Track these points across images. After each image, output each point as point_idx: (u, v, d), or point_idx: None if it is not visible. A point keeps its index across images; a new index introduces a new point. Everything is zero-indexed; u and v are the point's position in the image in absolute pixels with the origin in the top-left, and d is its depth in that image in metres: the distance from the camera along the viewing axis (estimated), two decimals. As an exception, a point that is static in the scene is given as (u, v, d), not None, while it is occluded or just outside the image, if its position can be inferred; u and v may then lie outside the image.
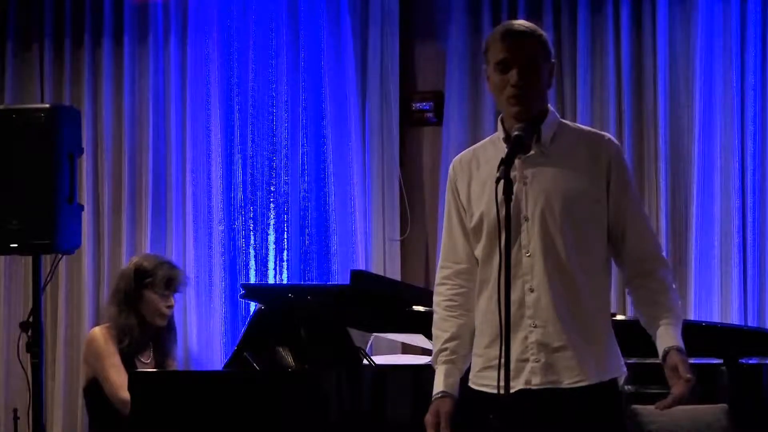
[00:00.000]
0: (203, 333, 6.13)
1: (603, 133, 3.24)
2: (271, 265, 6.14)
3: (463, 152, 3.30)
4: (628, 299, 4.37)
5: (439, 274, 3.26)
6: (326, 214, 6.10)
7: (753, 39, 5.66)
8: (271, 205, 6.16)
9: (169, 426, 4.49)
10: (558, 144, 3.14)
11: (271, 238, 6.15)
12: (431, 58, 6.22)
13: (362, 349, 4.76)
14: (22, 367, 4.71)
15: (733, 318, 5.61)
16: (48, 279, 4.74)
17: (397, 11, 6.13)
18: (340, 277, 5.98)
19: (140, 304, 4.97)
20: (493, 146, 3.20)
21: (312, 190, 6.11)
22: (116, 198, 6.32)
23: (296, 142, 6.13)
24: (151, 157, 6.25)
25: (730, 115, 5.66)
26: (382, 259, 6.10)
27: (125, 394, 4.60)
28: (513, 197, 2.92)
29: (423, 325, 3.84)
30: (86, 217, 6.09)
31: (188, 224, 6.18)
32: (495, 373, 2.92)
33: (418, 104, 6.23)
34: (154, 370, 4.96)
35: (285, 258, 6.13)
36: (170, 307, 5.04)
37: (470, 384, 3.17)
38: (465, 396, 3.17)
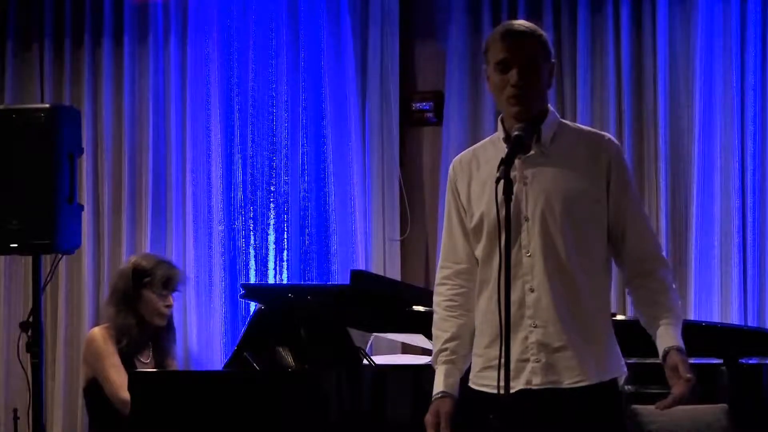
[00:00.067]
0: (203, 333, 6.13)
1: (603, 133, 3.24)
2: (271, 265, 6.14)
3: (463, 152, 3.30)
4: (628, 299, 4.37)
5: (439, 274, 3.26)
6: (326, 214, 6.10)
7: (753, 39, 5.66)
8: (271, 205, 6.16)
9: (169, 426, 4.49)
10: (558, 144, 3.14)
11: (271, 238, 6.15)
12: (431, 58, 6.22)
13: (362, 349, 4.76)
14: (22, 367, 4.71)
15: (733, 318, 5.61)
16: (48, 279, 4.74)
17: (397, 11, 6.13)
18: (340, 277, 5.98)
19: (139, 304, 4.97)
20: (493, 146, 3.20)
21: (312, 190, 6.11)
22: (116, 198, 6.32)
23: (296, 142, 6.13)
24: (151, 157, 6.25)
25: (730, 115, 5.66)
26: (382, 259, 6.10)
27: (125, 394, 4.60)
28: (513, 197, 2.92)
29: (423, 325, 3.84)
30: (86, 217, 6.09)
31: (188, 224, 6.18)
32: (495, 373, 2.93)
33: (418, 104, 6.23)
34: (154, 370, 4.95)
35: (285, 258, 6.13)
36: (169, 306, 5.04)
37: (470, 384, 3.17)
38: (465, 396, 3.17)
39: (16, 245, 4.58)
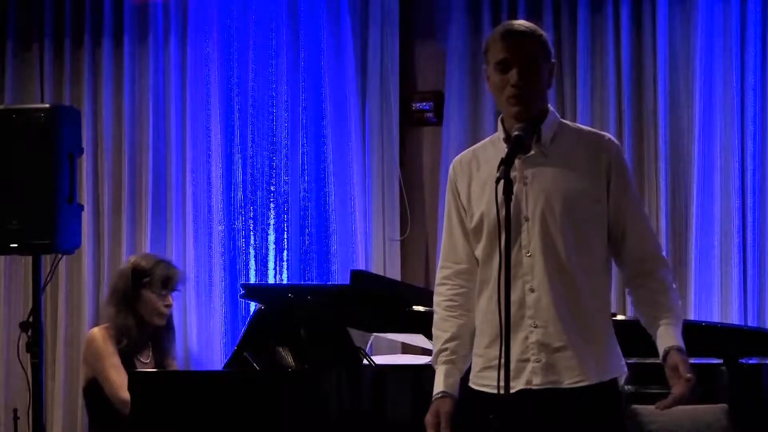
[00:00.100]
0: (203, 333, 6.13)
1: (603, 133, 3.24)
2: (271, 265, 6.14)
3: (463, 152, 3.30)
4: (628, 299, 4.36)
5: (440, 275, 3.26)
6: (326, 214, 6.10)
7: (753, 39, 5.66)
8: (271, 205, 6.16)
9: (169, 426, 4.49)
10: (558, 144, 3.14)
11: (271, 238, 6.15)
12: (431, 58, 6.21)
13: (362, 349, 4.76)
14: (22, 367, 4.71)
15: (733, 318, 5.61)
16: (48, 279, 4.74)
17: (397, 11, 6.13)
18: (340, 277, 5.98)
19: (138, 304, 4.96)
20: (493, 146, 3.20)
21: (312, 190, 6.11)
22: (116, 198, 6.32)
23: (296, 142, 6.13)
24: (151, 157, 6.25)
25: (730, 115, 5.66)
26: (382, 259, 6.10)
27: (125, 394, 4.60)
28: (513, 197, 2.92)
29: (423, 325, 3.84)
30: (86, 217, 6.09)
31: (188, 224, 6.18)
32: (495, 373, 2.93)
33: (418, 104, 6.23)
34: (154, 370, 4.95)
35: (285, 258, 6.13)
36: (168, 306, 5.03)
37: (470, 384, 3.17)
38: (465, 396, 3.17)
39: (16, 245, 4.58)
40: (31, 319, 4.60)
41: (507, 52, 3.09)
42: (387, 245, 6.11)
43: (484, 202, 3.12)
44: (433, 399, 3.16)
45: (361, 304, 4.79)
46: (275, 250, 6.14)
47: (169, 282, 5.04)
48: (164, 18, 6.28)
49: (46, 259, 4.72)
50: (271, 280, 6.11)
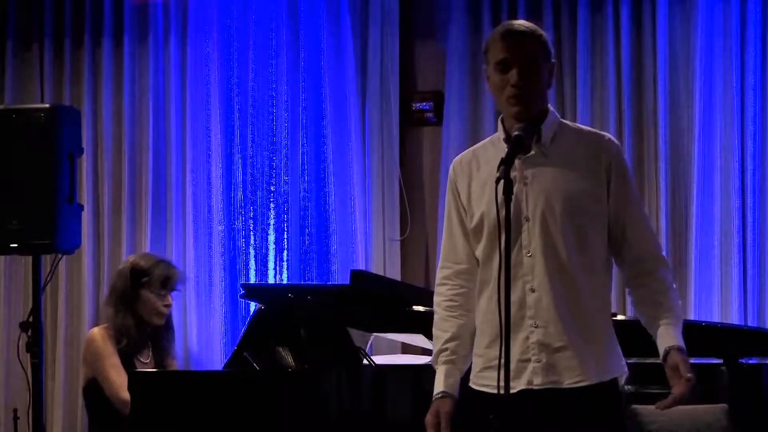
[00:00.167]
0: (203, 333, 6.13)
1: (603, 133, 3.24)
2: (271, 265, 6.13)
3: (463, 153, 3.30)
4: (628, 299, 4.37)
5: (440, 275, 3.26)
6: (326, 214, 6.10)
7: (753, 39, 5.66)
8: (271, 205, 6.16)
9: (169, 426, 4.49)
10: (558, 144, 3.14)
11: (271, 238, 6.15)
12: (431, 58, 6.21)
13: (362, 349, 4.76)
14: (22, 367, 4.71)
15: (733, 318, 5.60)
16: (48, 279, 4.74)
17: (397, 11, 6.13)
18: (340, 277, 5.98)
19: (137, 304, 4.96)
20: (493, 147, 3.20)
21: (312, 190, 6.11)
22: (116, 198, 6.32)
23: (296, 142, 6.13)
24: (151, 157, 6.25)
25: (730, 115, 5.66)
26: (382, 259, 6.10)
27: (125, 395, 4.60)
28: (513, 197, 2.92)
29: (423, 325, 3.84)
30: (86, 217, 6.09)
31: (188, 224, 6.18)
32: (495, 374, 2.93)
33: (418, 104, 6.23)
34: (154, 370, 4.95)
35: (285, 258, 6.13)
36: (168, 306, 5.03)
37: (471, 384, 3.17)
38: (465, 396, 3.17)
39: (16, 245, 4.58)
40: (31, 319, 4.60)
41: (507, 52, 3.09)
42: (387, 245, 6.11)
43: (484, 202, 3.12)
44: (433, 399, 3.16)
45: (361, 304, 4.79)
46: (275, 250, 6.14)
47: (168, 282, 5.03)
48: (164, 18, 6.28)
49: (46, 259, 4.72)
50: (271, 280, 6.11)
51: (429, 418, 3.13)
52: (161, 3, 6.28)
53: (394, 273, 6.06)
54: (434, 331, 3.24)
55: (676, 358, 3.00)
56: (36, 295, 4.63)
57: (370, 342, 5.16)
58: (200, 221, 6.17)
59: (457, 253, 3.22)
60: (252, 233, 6.17)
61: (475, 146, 3.30)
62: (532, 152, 3.10)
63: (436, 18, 6.18)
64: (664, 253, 3.24)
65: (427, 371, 3.31)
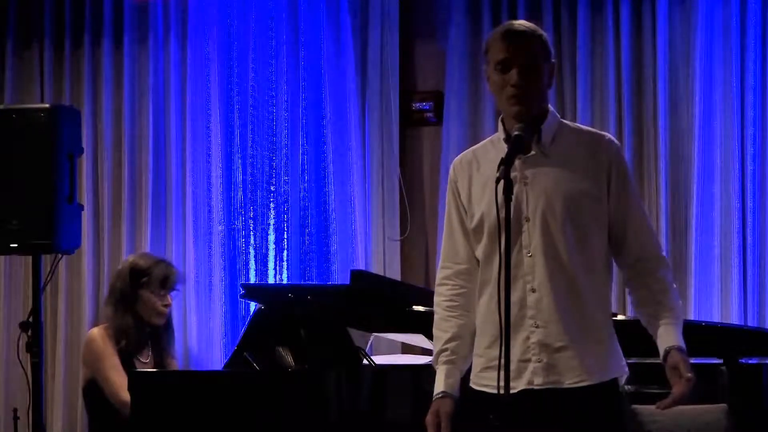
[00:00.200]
0: (203, 333, 6.13)
1: (603, 133, 3.25)
2: (271, 265, 6.13)
3: (463, 153, 3.30)
4: (628, 299, 4.37)
5: (440, 275, 3.26)
6: (326, 214, 6.09)
7: (753, 39, 5.66)
8: (271, 205, 6.16)
9: (169, 426, 4.49)
10: (558, 144, 3.14)
11: (271, 238, 6.14)
12: (431, 58, 6.21)
13: (362, 349, 4.76)
14: (22, 367, 4.71)
15: (733, 318, 5.60)
16: (48, 279, 4.74)
17: (397, 11, 6.13)
18: (340, 277, 5.98)
19: (137, 304, 4.97)
20: (493, 147, 3.20)
21: (312, 190, 6.11)
22: (116, 198, 6.32)
23: (296, 142, 6.12)
24: (151, 157, 6.25)
25: (730, 116, 5.66)
26: (382, 259, 6.10)
27: (125, 396, 4.60)
28: (514, 198, 2.93)
29: (423, 325, 3.85)
30: (86, 217, 6.09)
31: (188, 224, 6.18)
32: (496, 374, 2.93)
33: (418, 104, 6.22)
34: (154, 370, 4.95)
35: (285, 258, 6.12)
36: (167, 305, 5.04)
37: (471, 384, 3.18)
38: (466, 396, 3.17)
39: (16, 245, 4.59)
40: (31, 319, 4.60)
41: (507, 52, 3.09)
42: (387, 245, 6.11)
43: (484, 202, 3.12)
44: (433, 399, 3.16)
45: (361, 304, 4.79)
46: (275, 250, 6.14)
47: (167, 281, 5.04)
48: (164, 18, 6.28)
49: (46, 259, 4.73)
50: (271, 280, 6.11)
51: (429, 418, 3.14)
52: (161, 3, 6.28)
53: (394, 273, 6.06)
54: (434, 331, 3.24)
55: (676, 357, 3.00)
56: (36, 295, 4.63)
57: (370, 342, 5.16)
58: (200, 221, 6.17)
59: (457, 254, 3.22)
60: (252, 233, 6.17)
61: (475, 146, 3.30)
62: (532, 152, 3.11)
63: (436, 18, 6.18)
64: (664, 252, 3.24)
65: (427, 371, 3.31)
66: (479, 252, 3.16)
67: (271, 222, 6.15)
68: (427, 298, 3.61)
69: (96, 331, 4.98)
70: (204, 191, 6.18)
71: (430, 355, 3.28)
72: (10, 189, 4.56)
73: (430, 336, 3.28)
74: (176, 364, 5.19)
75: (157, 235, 6.22)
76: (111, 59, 6.32)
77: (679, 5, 5.77)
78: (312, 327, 4.72)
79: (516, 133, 3.05)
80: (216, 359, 6.04)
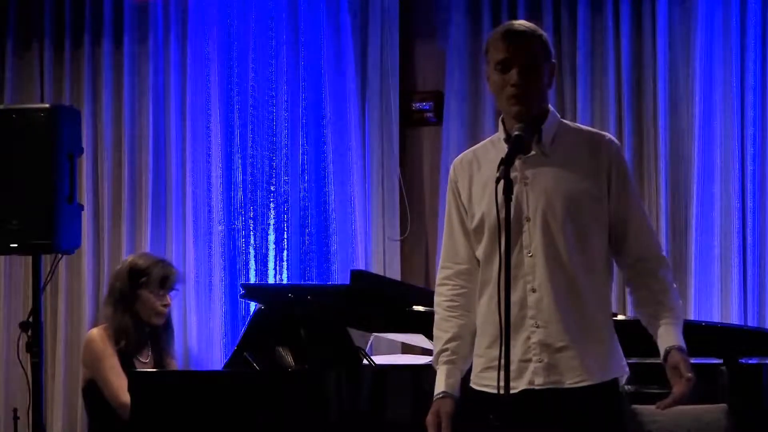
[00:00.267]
0: (203, 333, 6.13)
1: (603, 132, 3.25)
2: (271, 265, 6.13)
3: (463, 153, 3.31)
4: (628, 299, 4.37)
5: (440, 275, 3.26)
6: (326, 214, 6.09)
7: (753, 39, 5.66)
8: (271, 205, 6.16)
9: (169, 426, 4.49)
10: (558, 144, 3.14)
11: (271, 238, 6.14)
12: (431, 58, 6.21)
13: (362, 349, 4.76)
14: (22, 367, 4.71)
15: (733, 318, 5.60)
16: (48, 279, 4.74)
17: (397, 11, 6.13)
18: (340, 277, 5.98)
19: (136, 304, 4.96)
20: (493, 147, 3.20)
21: (312, 190, 6.11)
22: (116, 198, 6.32)
23: (296, 142, 6.12)
24: (151, 157, 6.25)
25: (730, 116, 5.66)
26: (382, 259, 6.09)
27: (125, 398, 4.60)
28: (514, 198, 2.93)
29: (423, 325, 3.85)
30: (86, 217, 6.09)
31: (188, 224, 6.17)
32: (496, 374, 2.92)
33: (418, 104, 6.22)
34: (154, 370, 4.95)
35: (285, 258, 6.12)
36: (166, 305, 5.03)
37: (471, 384, 3.18)
38: (466, 396, 3.17)
39: (16, 245, 4.58)
40: (31, 319, 4.60)
41: (507, 52, 3.09)
42: (387, 245, 6.11)
43: (484, 202, 3.12)
44: (434, 399, 3.16)
45: (361, 304, 4.79)
46: (275, 250, 6.14)
47: (166, 281, 5.03)
48: (164, 18, 6.28)
49: (46, 259, 4.72)
50: (271, 280, 6.11)
51: (430, 418, 3.14)
52: (161, 3, 6.28)
53: (394, 273, 6.06)
54: (435, 331, 3.24)
55: (676, 357, 3.00)
56: (36, 295, 4.63)
57: (370, 342, 5.16)
58: (200, 221, 6.17)
59: (457, 254, 3.22)
60: (252, 233, 6.17)
61: (475, 146, 3.30)
62: (533, 152, 3.11)
63: (436, 18, 6.18)
64: (664, 252, 3.24)
65: (427, 371, 3.31)
66: (480, 252, 3.16)
67: (271, 222, 6.15)
68: (427, 298, 3.61)
69: (95, 332, 4.97)
70: (204, 191, 6.18)
71: (430, 355, 3.28)
72: (10, 189, 4.56)
73: (430, 336, 3.28)
74: (176, 364, 5.19)
75: (157, 235, 6.22)
76: (111, 59, 6.32)
77: (679, 5, 5.77)
78: (312, 327, 4.72)
79: (516, 133, 3.05)
80: (216, 359, 6.04)
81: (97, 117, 6.33)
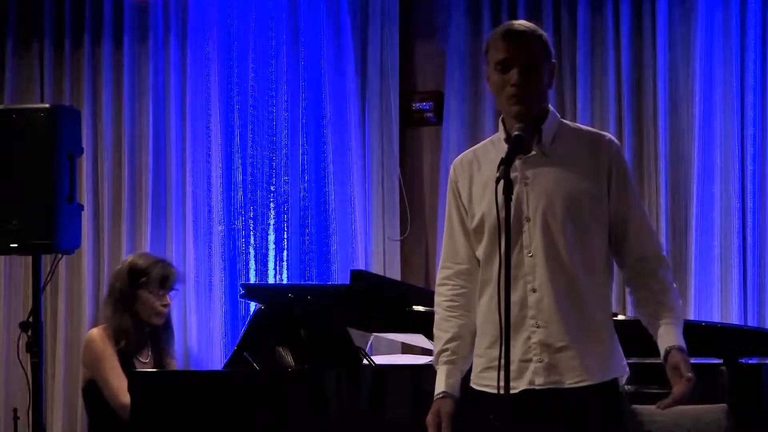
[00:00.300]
0: (203, 333, 6.13)
1: (603, 132, 3.25)
2: (271, 265, 6.13)
3: (464, 153, 3.30)
4: (629, 299, 4.37)
5: (440, 275, 3.26)
6: (326, 214, 6.09)
7: (753, 39, 5.66)
8: (271, 205, 6.16)
9: (169, 426, 4.49)
10: (559, 144, 3.14)
11: (271, 238, 6.14)
12: (431, 58, 6.21)
13: (362, 349, 4.76)
14: (22, 367, 4.71)
15: (733, 318, 5.60)
16: (48, 279, 4.74)
17: (397, 11, 6.13)
18: (340, 277, 5.98)
19: (136, 304, 4.96)
20: (493, 147, 3.20)
21: (312, 190, 6.11)
22: (116, 198, 6.32)
23: (296, 142, 6.12)
24: (151, 157, 6.25)
25: (730, 116, 5.66)
26: (382, 259, 6.10)
27: (124, 399, 4.60)
28: (514, 198, 2.93)
29: (423, 325, 3.85)
30: (86, 217, 6.09)
31: (188, 224, 6.17)
32: (497, 374, 2.92)
33: (418, 104, 6.22)
34: (154, 370, 4.95)
35: (285, 258, 6.12)
36: (166, 305, 5.03)
37: (472, 384, 3.18)
38: (467, 396, 3.17)
39: (16, 245, 4.58)
40: (31, 319, 4.60)
41: (507, 52, 3.09)
42: (387, 245, 6.11)
43: (485, 202, 3.12)
44: (434, 399, 3.16)
45: (361, 304, 4.79)
46: (275, 250, 6.14)
47: (166, 281, 5.03)
48: (164, 18, 6.28)
49: (46, 259, 4.72)
50: (271, 280, 6.11)
51: (430, 418, 3.14)
52: (161, 3, 6.28)
53: (394, 273, 6.06)
54: (435, 331, 3.24)
55: (676, 357, 3.00)
56: (36, 295, 4.63)
57: (370, 342, 5.16)
58: (200, 221, 6.17)
59: (457, 254, 3.22)
60: (252, 233, 6.17)
61: (475, 146, 3.30)
62: (533, 152, 3.11)
63: (436, 18, 6.18)
64: (664, 252, 3.24)
65: (427, 371, 3.31)
66: (480, 252, 3.16)
67: (271, 222, 6.15)
68: (427, 298, 3.61)
69: (95, 332, 4.97)
70: (204, 191, 6.18)
71: (430, 355, 3.28)
72: (10, 189, 4.56)
73: (430, 336, 3.28)
74: (176, 364, 5.18)
75: (157, 235, 6.22)
76: (111, 59, 6.32)
77: (679, 5, 5.77)
78: (312, 327, 4.72)
79: (516, 133, 3.05)
80: (216, 359, 6.04)
81: (97, 117, 6.33)
